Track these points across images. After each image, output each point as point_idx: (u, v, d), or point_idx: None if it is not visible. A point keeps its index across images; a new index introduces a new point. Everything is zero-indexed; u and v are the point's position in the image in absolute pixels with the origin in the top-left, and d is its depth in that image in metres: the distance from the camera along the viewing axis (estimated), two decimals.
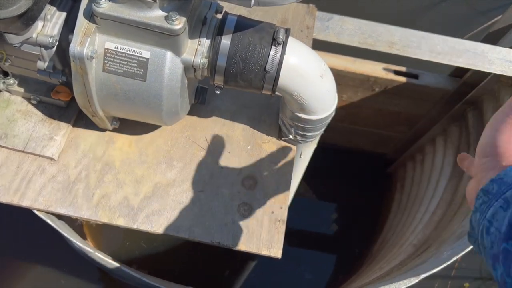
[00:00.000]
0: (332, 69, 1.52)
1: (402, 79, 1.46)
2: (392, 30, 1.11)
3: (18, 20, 0.60)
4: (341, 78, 1.49)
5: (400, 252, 1.29)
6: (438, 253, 0.97)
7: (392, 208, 1.81)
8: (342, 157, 2.00)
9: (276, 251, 0.80)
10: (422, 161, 1.66)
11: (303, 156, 0.98)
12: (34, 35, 0.68)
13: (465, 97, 1.39)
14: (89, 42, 0.64)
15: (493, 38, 1.24)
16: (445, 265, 0.87)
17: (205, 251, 1.68)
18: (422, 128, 1.64)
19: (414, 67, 1.49)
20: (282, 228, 0.82)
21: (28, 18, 0.62)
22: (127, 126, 0.86)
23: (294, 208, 1.88)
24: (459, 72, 1.41)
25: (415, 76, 1.47)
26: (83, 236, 1.61)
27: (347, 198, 2.01)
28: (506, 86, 1.24)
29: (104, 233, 1.70)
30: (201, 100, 0.88)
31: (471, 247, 0.91)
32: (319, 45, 1.17)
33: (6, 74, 0.82)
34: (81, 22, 0.64)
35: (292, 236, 1.91)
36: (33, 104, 0.84)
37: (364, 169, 2.01)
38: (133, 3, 0.62)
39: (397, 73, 1.47)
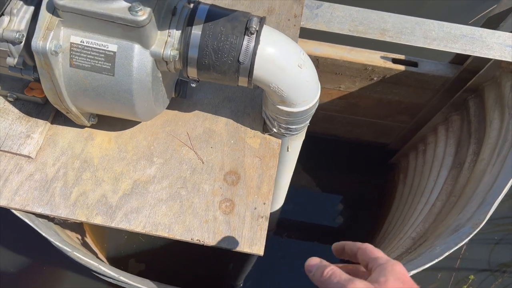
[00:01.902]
0: (327, 59, 1.48)
1: (401, 67, 1.41)
2: (384, 16, 1.07)
3: None
4: (338, 68, 1.45)
5: (398, 245, 1.26)
6: (432, 248, 0.94)
7: (394, 199, 1.77)
8: (343, 148, 1.97)
9: (258, 248, 0.78)
10: (424, 151, 1.62)
11: (290, 149, 0.95)
12: (0, 31, 0.67)
13: (466, 84, 1.34)
14: (52, 36, 0.61)
15: (492, 23, 1.18)
16: (436, 260, 0.83)
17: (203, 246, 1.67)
18: (424, 117, 1.59)
19: (413, 55, 1.44)
20: (265, 224, 0.80)
21: None
22: (106, 122, 0.84)
23: (296, 200, 1.87)
24: (459, 59, 1.36)
25: (415, 64, 1.42)
26: (82, 232, 1.61)
27: (350, 189, 1.97)
28: (508, 72, 1.19)
29: (103, 228, 1.70)
30: (182, 93, 0.85)
31: (465, 241, 0.87)
32: (314, 35, 1.13)
33: None
34: (44, 15, 0.62)
35: (294, 229, 1.89)
36: (10, 102, 0.83)
37: (366, 160, 1.97)
38: None
39: (395, 61, 1.42)
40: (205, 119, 0.89)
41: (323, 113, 1.74)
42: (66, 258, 0.91)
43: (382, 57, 1.42)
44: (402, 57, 1.43)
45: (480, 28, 1.08)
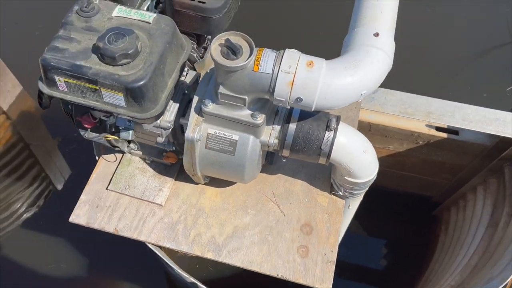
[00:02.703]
0: (379, 125, 1.74)
1: (443, 134, 1.63)
2: (429, 100, 1.32)
3: (155, 117, 0.90)
4: (388, 132, 1.70)
5: None
6: None
7: (436, 249, 1.94)
8: (392, 199, 2.17)
9: (327, 285, 1.02)
10: (464, 207, 1.81)
11: (351, 207, 1.20)
12: (159, 121, 0.98)
13: (502, 153, 1.54)
14: (198, 130, 0.92)
15: None
16: None
17: (263, 278, 1.92)
18: (464, 177, 1.79)
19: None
20: (332, 267, 1.04)
21: (159, 115, 0.91)
22: (215, 181, 1.13)
23: (348, 244, 2.08)
24: None
25: (456, 132, 1.64)
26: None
27: (396, 237, 2.17)
28: None
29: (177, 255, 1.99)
30: (270, 161, 1.14)
31: None
32: None
33: (130, 141, 1.12)
34: (193, 116, 0.93)
35: (343, 269, 2.10)
36: (147, 163, 1.14)
37: (412, 210, 2.16)
38: (229, 105, 0.89)
39: (438, 129, 1.64)
40: (286, 181, 1.17)
41: None
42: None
43: (427, 125, 1.66)
44: (444, 125, 1.66)
45: (511, 113, 1.30)
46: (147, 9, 1.07)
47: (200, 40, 1.09)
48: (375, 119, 1.68)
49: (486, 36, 2.55)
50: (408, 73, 2.34)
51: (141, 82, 0.82)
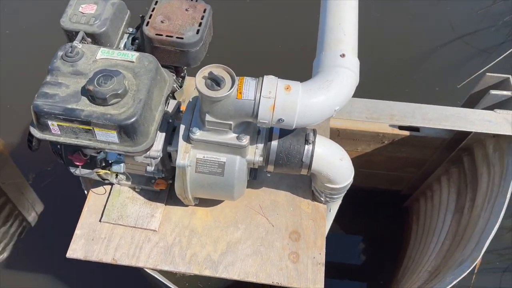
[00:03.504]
0: (346, 130, 1.85)
1: (406, 132, 1.77)
2: (391, 104, 1.44)
3: (145, 151, 0.95)
4: (355, 135, 1.81)
5: (417, 278, 1.57)
6: (444, 278, 1.26)
7: (411, 238, 2.08)
8: (364, 197, 2.30)
9: (319, 286, 1.11)
10: (431, 197, 1.95)
11: (331, 210, 1.29)
12: (148, 152, 1.03)
13: (459, 144, 1.69)
14: (188, 157, 0.98)
15: (474, 100, 1.55)
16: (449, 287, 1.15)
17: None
18: (428, 169, 1.93)
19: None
20: (322, 269, 1.13)
21: (149, 148, 0.96)
22: (203, 202, 1.19)
23: (327, 245, 2.18)
24: None
25: (417, 129, 1.78)
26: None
27: (372, 231, 2.29)
28: (490, 136, 1.54)
29: (171, 276, 2.02)
30: (253, 176, 1.21)
31: (466, 272, 1.20)
32: None
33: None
34: (182, 144, 0.99)
35: (327, 269, 2.19)
36: (137, 192, 1.19)
37: (384, 205, 2.29)
38: (215, 130, 0.96)
39: (401, 128, 1.78)
40: (270, 193, 1.24)
41: None
42: None
43: (391, 125, 1.79)
44: (406, 124, 1.79)
45: (464, 108, 1.44)
46: (124, 46, 1.12)
47: (178, 70, 1.15)
48: (342, 124, 1.79)
49: (433, 36, 2.75)
50: (367, 79, 2.48)
51: (133, 119, 0.87)
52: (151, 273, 1.14)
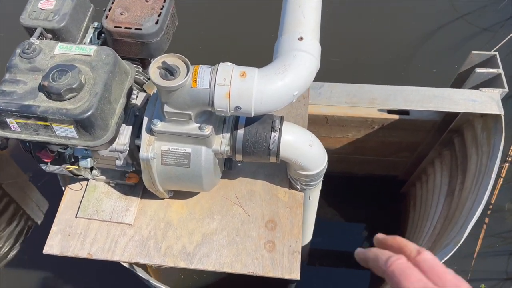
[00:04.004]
0: (334, 116, 1.83)
1: (395, 116, 1.73)
2: (372, 88, 1.40)
3: (108, 143, 0.95)
4: (344, 121, 1.78)
5: None
6: None
7: (408, 224, 2.04)
8: (360, 184, 2.27)
9: (295, 274, 1.09)
10: (426, 181, 1.91)
11: (311, 198, 1.27)
12: (114, 146, 1.03)
13: (449, 126, 1.64)
14: (151, 149, 0.97)
15: (460, 81, 1.50)
16: None
17: (246, 280, 1.98)
18: (422, 153, 1.89)
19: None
20: (298, 257, 1.11)
21: (112, 140, 0.96)
22: (179, 194, 1.18)
23: (324, 233, 2.17)
24: None
25: (406, 113, 1.74)
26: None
27: (370, 219, 2.26)
28: (478, 116, 1.50)
29: (163, 269, 2.03)
30: (229, 167, 1.20)
31: (449, 255, 1.17)
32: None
33: (92, 168, 1.17)
34: (145, 136, 0.98)
35: (325, 258, 2.18)
36: (112, 186, 1.19)
37: (381, 191, 2.26)
38: (176, 121, 0.95)
39: (390, 112, 1.74)
40: (247, 183, 1.23)
41: (337, 156, 2.06)
42: None
43: (379, 110, 1.75)
44: (395, 107, 1.76)
45: (448, 88, 1.40)
46: (90, 41, 1.12)
47: (145, 63, 1.15)
48: (329, 111, 1.76)
49: (433, 17, 2.68)
50: (364, 64, 2.44)
51: (89, 113, 0.87)
52: (128, 267, 1.15)
